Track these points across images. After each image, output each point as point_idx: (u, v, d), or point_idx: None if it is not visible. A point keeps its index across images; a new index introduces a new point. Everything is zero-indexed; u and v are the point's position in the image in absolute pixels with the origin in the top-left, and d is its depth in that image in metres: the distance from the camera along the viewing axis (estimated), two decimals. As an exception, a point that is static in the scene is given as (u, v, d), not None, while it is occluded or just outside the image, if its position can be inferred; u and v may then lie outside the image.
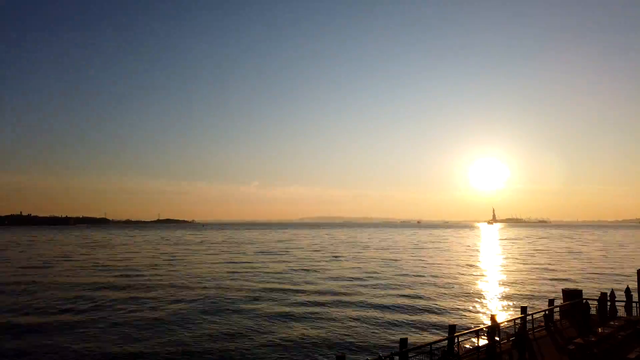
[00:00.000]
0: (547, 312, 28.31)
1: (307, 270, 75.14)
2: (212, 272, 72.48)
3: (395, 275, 68.41)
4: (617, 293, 32.36)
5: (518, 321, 25.31)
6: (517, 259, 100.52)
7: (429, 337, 29.89)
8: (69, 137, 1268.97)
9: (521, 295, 50.82)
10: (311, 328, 34.98)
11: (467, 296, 50.28)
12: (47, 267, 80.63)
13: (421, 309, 42.53)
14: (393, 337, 31.45)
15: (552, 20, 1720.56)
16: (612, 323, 25.92)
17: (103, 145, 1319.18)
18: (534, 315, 27.48)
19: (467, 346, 23.67)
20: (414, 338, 30.54)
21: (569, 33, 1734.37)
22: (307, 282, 60.19)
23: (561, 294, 32.92)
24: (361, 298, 48.19)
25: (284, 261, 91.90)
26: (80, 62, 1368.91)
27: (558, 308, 30.11)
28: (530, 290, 54.03)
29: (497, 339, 21.86)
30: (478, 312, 41.99)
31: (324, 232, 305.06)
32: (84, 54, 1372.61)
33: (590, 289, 48.75)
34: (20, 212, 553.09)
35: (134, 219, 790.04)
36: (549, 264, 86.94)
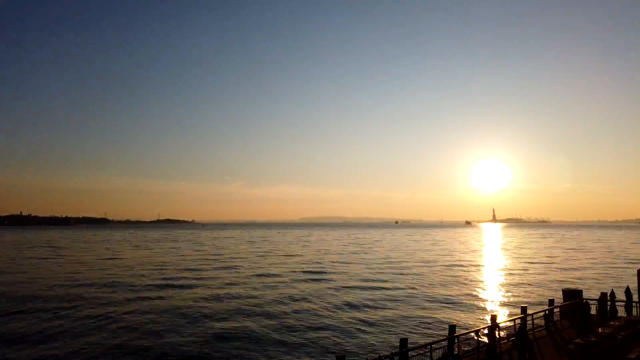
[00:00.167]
0: (547, 312, 28.29)
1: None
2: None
3: (400, 276, 68.49)
4: (617, 293, 32.38)
5: (518, 321, 25.31)
6: (516, 259, 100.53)
7: (429, 337, 29.88)
8: (69, 137, 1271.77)
9: (521, 295, 50.81)
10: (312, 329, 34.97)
11: (466, 296, 50.32)
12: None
13: (419, 310, 42.55)
14: (393, 337, 31.47)
15: (552, 20, 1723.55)
16: (612, 323, 25.90)
17: (103, 145, 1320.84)
18: (534, 315, 27.46)
19: (467, 346, 23.63)
20: (414, 338, 30.56)
21: (569, 33, 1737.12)
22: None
23: (561, 294, 32.96)
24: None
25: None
26: (80, 62, 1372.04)
27: (558, 308, 30.09)
28: (530, 290, 53.99)
29: (497, 339, 21.87)
30: (478, 312, 41.97)
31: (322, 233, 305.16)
32: (84, 54, 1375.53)
33: (590, 289, 48.75)
34: (20, 212, 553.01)
35: (133, 219, 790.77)
36: (549, 264, 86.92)
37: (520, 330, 21.81)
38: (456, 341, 21.17)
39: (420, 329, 34.85)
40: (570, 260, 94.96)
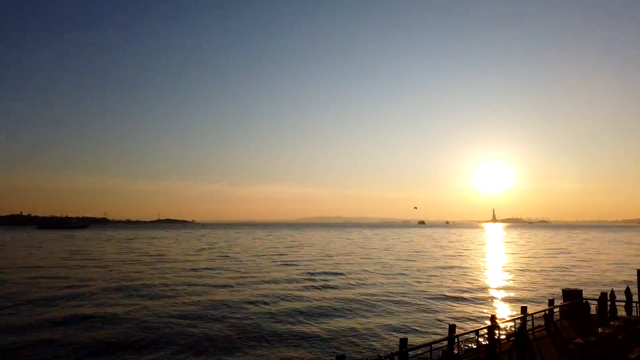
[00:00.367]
0: (547, 312, 28.28)
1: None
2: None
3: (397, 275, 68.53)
4: (617, 293, 32.37)
5: (518, 321, 25.31)
6: (516, 258, 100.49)
7: (429, 337, 29.87)
8: (69, 137, 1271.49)
9: (521, 295, 50.79)
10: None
11: (466, 296, 50.30)
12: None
13: (420, 309, 42.55)
14: (393, 337, 31.47)
15: (552, 20, 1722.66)
16: (612, 323, 25.88)
17: (103, 145, 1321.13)
18: (534, 315, 27.46)
19: (467, 346, 23.63)
20: (414, 338, 30.54)
21: (569, 33, 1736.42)
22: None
23: (561, 294, 32.94)
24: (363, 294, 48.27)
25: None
26: (80, 62, 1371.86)
27: (558, 308, 30.09)
28: (530, 290, 53.98)
29: (497, 339, 21.86)
30: (477, 311, 41.95)
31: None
32: (84, 54, 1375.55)
33: (590, 289, 48.73)
34: (20, 212, 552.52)
35: (133, 218, 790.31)
36: (549, 264, 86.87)
37: (520, 330, 21.81)
38: (456, 341, 21.15)
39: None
40: (571, 260, 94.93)
